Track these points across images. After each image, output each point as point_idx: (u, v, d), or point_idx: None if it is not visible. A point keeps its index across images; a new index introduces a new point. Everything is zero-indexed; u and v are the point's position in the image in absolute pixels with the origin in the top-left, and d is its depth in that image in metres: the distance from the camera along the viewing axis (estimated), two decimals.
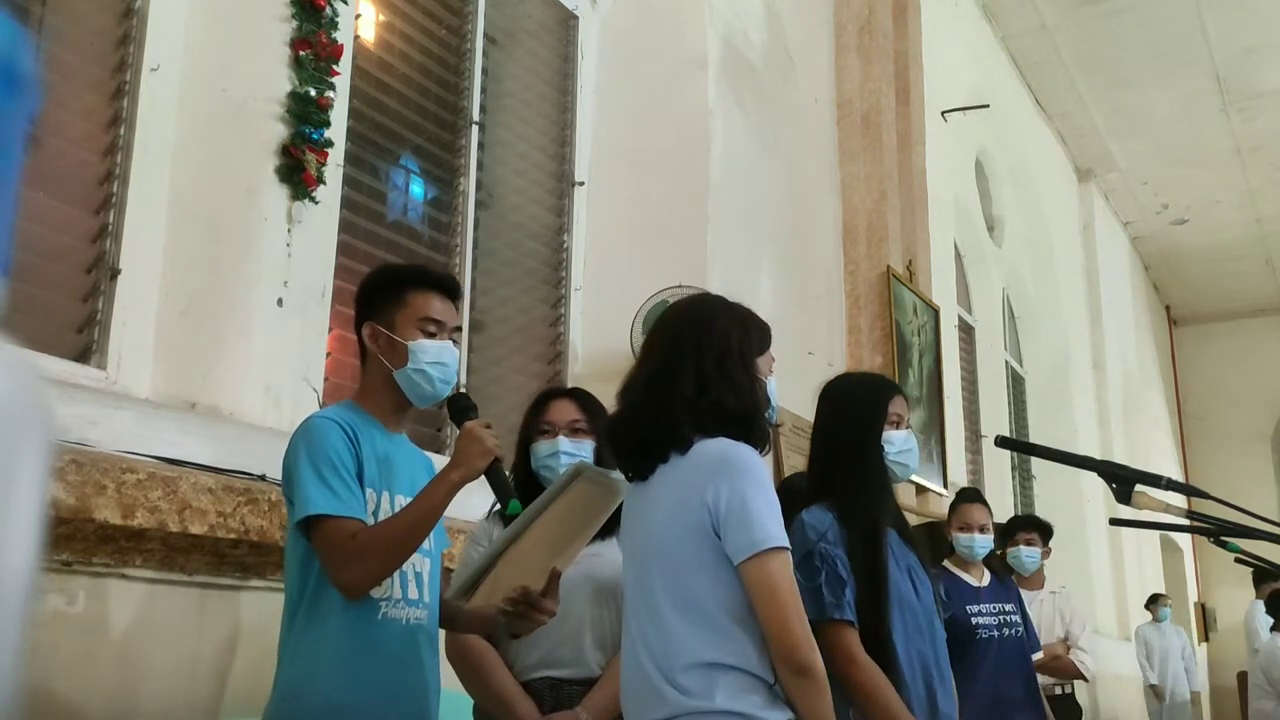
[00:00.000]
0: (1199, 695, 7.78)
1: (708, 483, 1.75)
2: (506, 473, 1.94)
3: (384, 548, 1.83)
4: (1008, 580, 3.88)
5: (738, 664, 1.71)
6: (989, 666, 3.48)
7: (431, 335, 1.99)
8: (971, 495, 3.92)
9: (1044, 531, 4.78)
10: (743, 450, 1.78)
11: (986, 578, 3.69)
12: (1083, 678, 4.73)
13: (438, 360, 1.98)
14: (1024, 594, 4.29)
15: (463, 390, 2.05)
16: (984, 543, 3.74)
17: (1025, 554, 4.56)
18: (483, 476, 1.91)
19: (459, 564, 2.37)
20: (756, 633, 1.72)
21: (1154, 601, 8.05)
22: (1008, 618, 3.58)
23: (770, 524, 1.72)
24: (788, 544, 1.74)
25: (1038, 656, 4.47)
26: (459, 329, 2.08)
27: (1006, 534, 4.60)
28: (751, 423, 1.83)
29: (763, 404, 1.87)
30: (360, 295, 2.10)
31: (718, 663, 1.71)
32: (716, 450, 1.78)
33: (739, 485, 1.74)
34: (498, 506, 2.42)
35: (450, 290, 2.07)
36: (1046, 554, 4.78)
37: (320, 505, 1.82)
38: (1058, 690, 4.64)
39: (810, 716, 1.70)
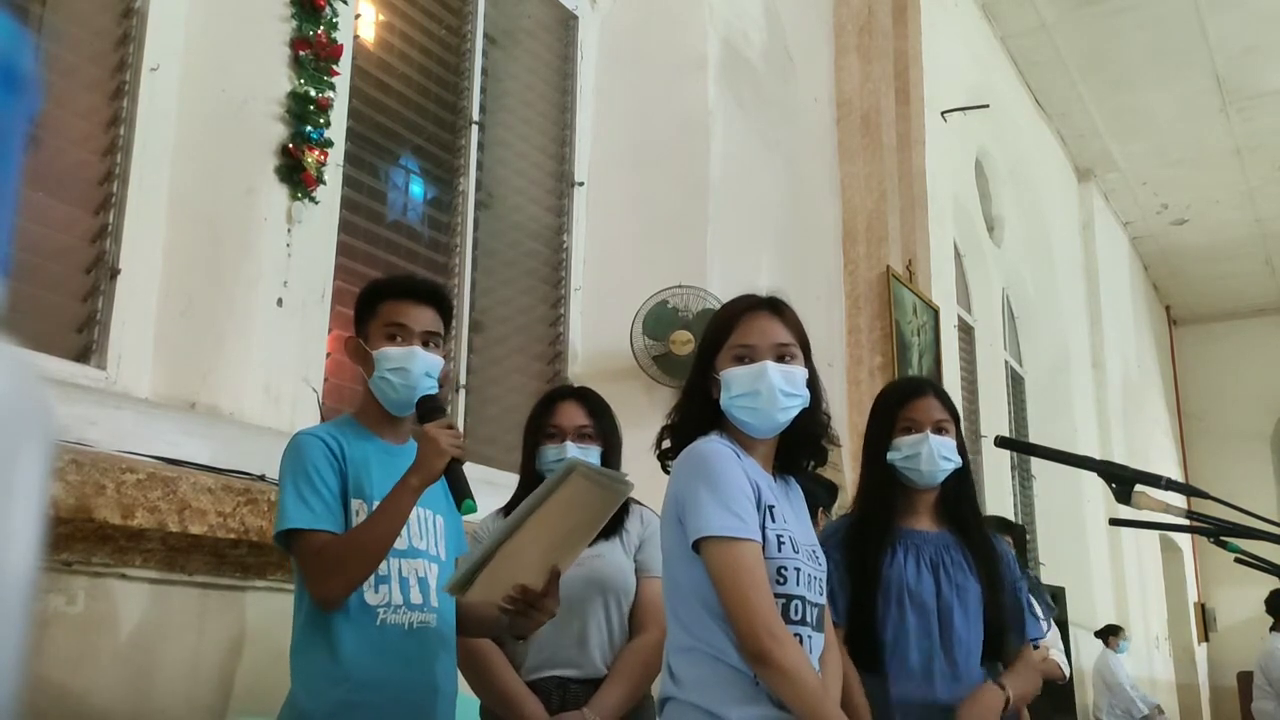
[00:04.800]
0: None
1: (673, 477, 1.84)
2: (464, 472, 1.94)
3: (350, 558, 1.85)
4: None
5: (714, 652, 1.73)
6: None
7: (393, 339, 1.99)
8: None
9: (1016, 533, 4.75)
10: (698, 444, 1.82)
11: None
12: (1062, 677, 4.74)
13: (399, 365, 1.98)
14: None
15: (435, 393, 2.03)
16: None
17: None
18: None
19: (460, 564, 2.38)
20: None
21: (1115, 633, 8.02)
22: None
23: (707, 513, 1.72)
24: (728, 533, 1.71)
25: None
26: (436, 334, 2.04)
27: None
28: (695, 419, 1.89)
29: (698, 398, 1.89)
30: (354, 312, 2.12)
31: (694, 648, 1.75)
32: (686, 449, 1.84)
33: (686, 477, 1.79)
34: (500, 506, 2.43)
35: (424, 295, 2.05)
36: None
37: (292, 519, 1.86)
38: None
39: (787, 705, 1.69)
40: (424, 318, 2.03)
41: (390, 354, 1.98)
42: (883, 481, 2.32)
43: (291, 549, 1.89)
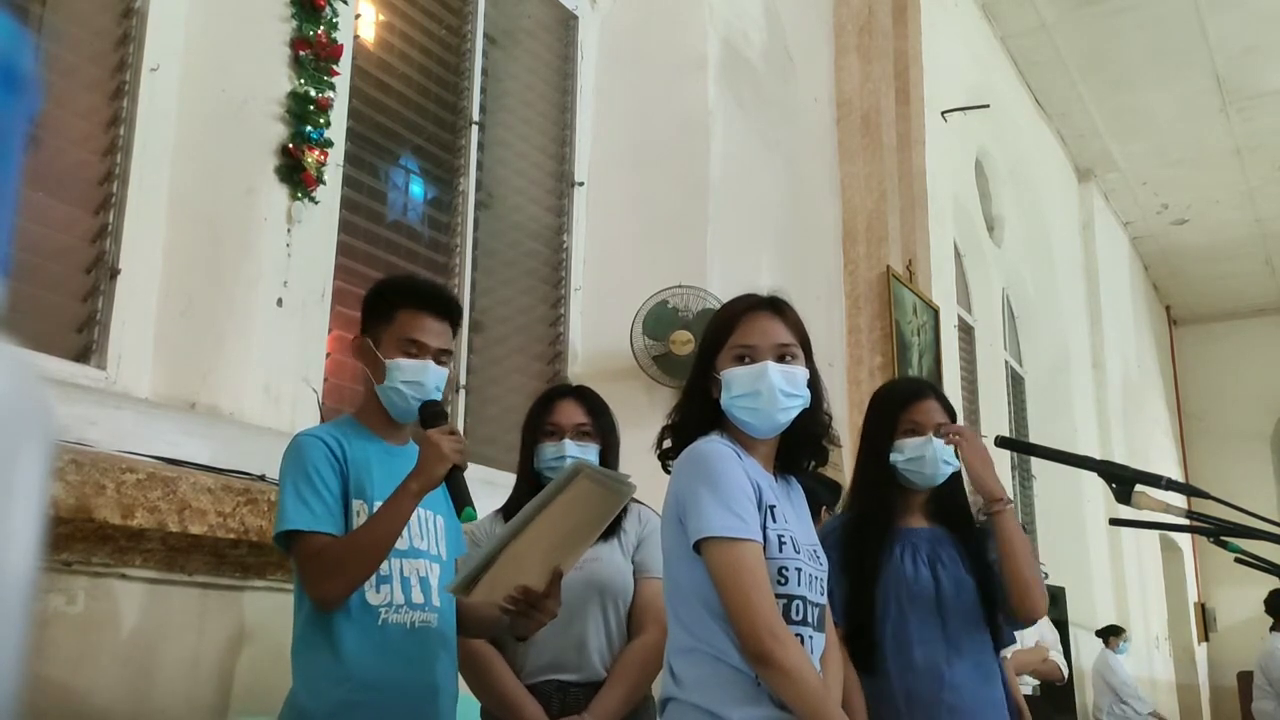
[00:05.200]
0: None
1: (674, 478, 1.83)
2: (465, 479, 1.94)
3: (350, 561, 1.85)
4: None
5: (715, 653, 1.72)
6: None
7: (412, 355, 2.00)
8: None
9: None
10: (699, 444, 1.81)
11: None
12: (1061, 678, 4.76)
13: (413, 379, 1.99)
14: None
15: (438, 399, 2.03)
16: None
17: None
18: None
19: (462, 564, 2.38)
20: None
21: (1116, 634, 8.04)
22: None
23: (708, 514, 1.72)
24: (730, 534, 1.71)
25: (1028, 658, 4.49)
26: (448, 351, 2.05)
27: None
28: (696, 419, 1.88)
29: (699, 397, 1.88)
30: (362, 306, 2.11)
31: (695, 649, 1.74)
32: (687, 449, 1.83)
33: (686, 478, 1.78)
34: (499, 507, 2.43)
35: (443, 309, 2.05)
36: None
37: (292, 521, 1.86)
38: (1031, 688, 4.64)
39: (789, 706, 1.69)
40: (441, 333, 2.04)
41: (404, 366, 1.99)
42: (881, 481, 2.33)
43: (290, 550, 1.89)
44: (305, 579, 1.88)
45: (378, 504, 1.93)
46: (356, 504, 1.93)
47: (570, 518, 1.91)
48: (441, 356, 2.03)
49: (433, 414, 1.99)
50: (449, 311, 2.07)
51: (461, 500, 1.92)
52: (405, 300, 2.04)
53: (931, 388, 2.45)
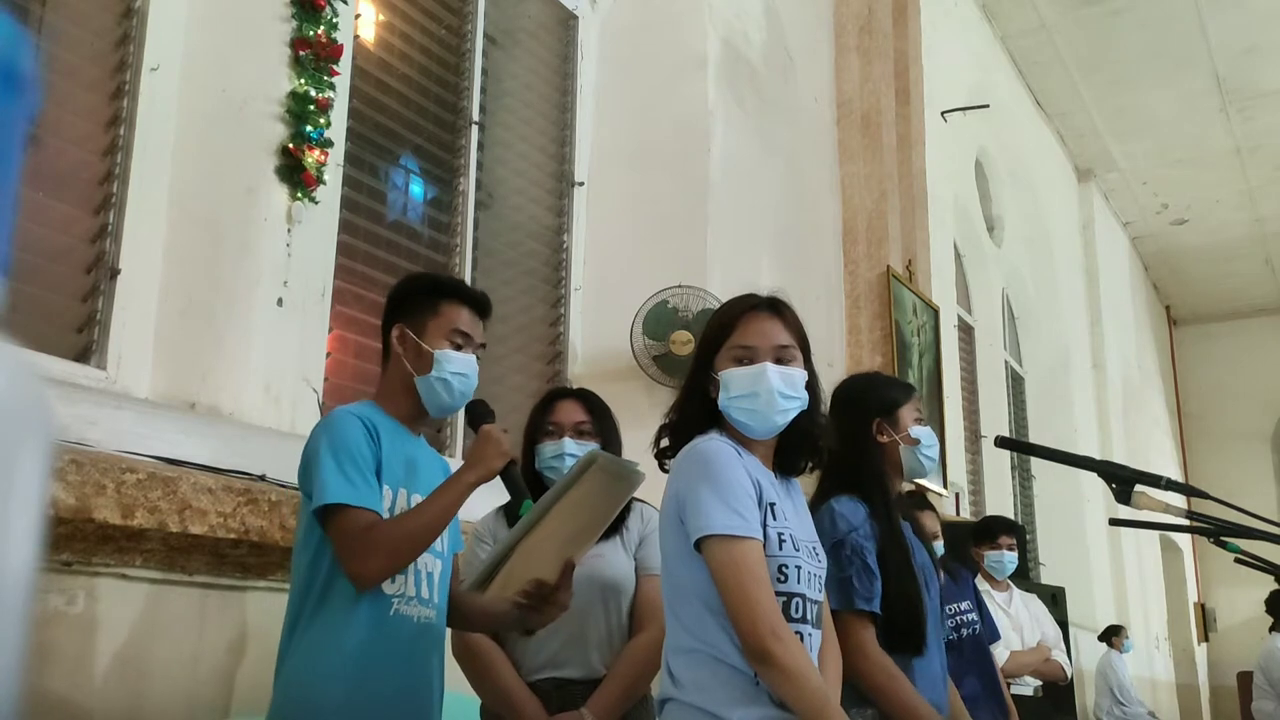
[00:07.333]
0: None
1: (674, 476, 1.83)
2: (519, 474, 1.97)
3: (398, 543, 1.84)
4: (963, 577, 3.83)
5: (715, 653, 1.72)
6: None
7: (459, 347, 2.02)
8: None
9: (1020, 534, 4.79)
10: (699, 443, 1.81)
11: (941, 577, 3.66)
12: (1063, 677, 4.75)
13: (461, 371, 2.01)
14: (998, 595, 4.39)
15: (482, 399, 2.07)
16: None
17: (1008, 558, 4.54)
18: (498, 478, 1.94)
19: (464, 563, 2.37)
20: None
21: (1117, 633, 8.04)
22: (964, 617, 3.55)
23: (709, 512, 1.71)
24: (731, 532, 1.70)
25: (1029, 658, 4.48)
26: (484, 345, 2.10)
27: (984, 535, 4.57)
28: (694, 418, 1.87)
29: (697, 397, 1.87)
30: (393, 297, 2.11)
31: (694, 650, 1.74)
32: (687, 447, 1.83)
33: (687, 476, 1.78)
34: (500, 505, 2.43)
35: (482, 308, 2.09)
36: None
37: (338, 494, 1.83)
38: (1032, 689, 4.64)
39: (790, 705, 1.68)
40: (480, 329, 2.08)
41: (454, 358, 2.01)
42: (890, 471, 2.40)
43: (327, 524, 1.84)
44: (346, 554, 1.82)
45: (402, 490, 1.94)
46: (384, 489, 1.92)
47: (583, 509, 1.91)
48: (479, 351, 2.07)
49: (482, 412, 2.03)
50: (488, 310, 2.11)
51: (520, 493, 1.95)
52: (448, 294, 2.07)
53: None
